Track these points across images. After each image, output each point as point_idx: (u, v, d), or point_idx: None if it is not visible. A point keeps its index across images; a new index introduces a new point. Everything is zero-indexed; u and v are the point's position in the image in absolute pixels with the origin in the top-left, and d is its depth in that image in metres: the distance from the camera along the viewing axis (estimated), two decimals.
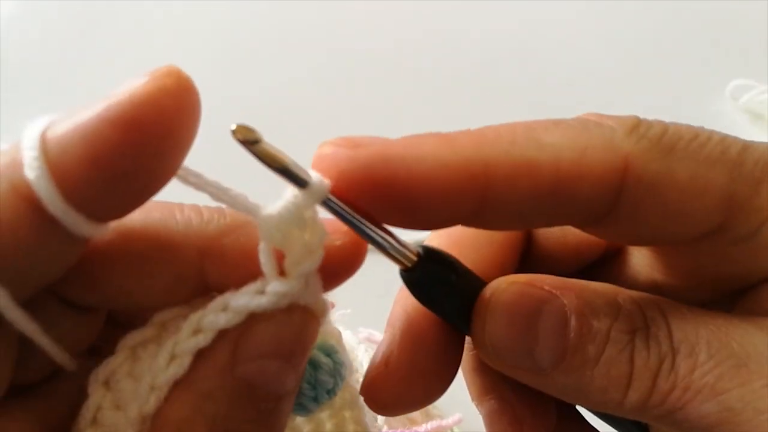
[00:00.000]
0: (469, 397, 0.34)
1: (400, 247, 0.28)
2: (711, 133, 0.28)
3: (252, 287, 0.26)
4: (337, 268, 0.28)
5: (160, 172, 0.23)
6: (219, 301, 0.26)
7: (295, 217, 0.26)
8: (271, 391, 0.26)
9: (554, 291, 0.28)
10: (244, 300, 0.26)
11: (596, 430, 0.37)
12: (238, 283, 0.26)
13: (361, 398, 0.31)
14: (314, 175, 0.26)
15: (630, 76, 0.85)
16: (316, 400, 0.29)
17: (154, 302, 0.27)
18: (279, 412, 0.27)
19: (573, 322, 0.28)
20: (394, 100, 0.88)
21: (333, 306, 0.30)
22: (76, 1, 0.97)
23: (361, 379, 0.31)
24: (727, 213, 0.27)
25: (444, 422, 0.58)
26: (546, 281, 0.29)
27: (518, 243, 0.35)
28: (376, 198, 0.26)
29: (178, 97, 0.22)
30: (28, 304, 0.25)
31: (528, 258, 0.35)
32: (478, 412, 0.34)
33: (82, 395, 0.27)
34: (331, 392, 0.30)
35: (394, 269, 0.29)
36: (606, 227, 0.28)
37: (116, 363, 0.27)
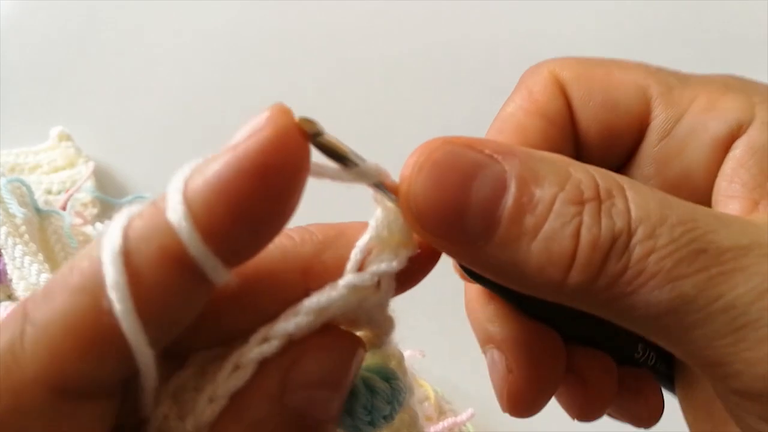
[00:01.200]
0: (481, 393, 0.34)
1: None
2: (625, 59, 0.34)
3: (326, 287, 0.26)
4: (409, 274, 0.27)
5: (288, 211, 0.23)
6: (291, 308, 0.26)
7: (397, 219, 0.26)
8: (318, 418, 0.26)
9: (495, 156, 0.25)
10: (310, 301, 0.25)
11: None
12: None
13: (419, 420, 0.31)
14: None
15: None
16: (372, 424, 0.28)
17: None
18: None
19: (512, 188, 0.25)
20: (395, 100, 0.88)
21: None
22: (76, 1, 0.96)
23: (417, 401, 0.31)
24: (646, 103, 0.31)
25: (459, 418, 0.60)
26: (488, 145, 0.26)
27: (569, 143, 0.34)
28: None
29: (294, 137, 0.23)
30: None
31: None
32: (490, 408, 0.34)
33: None
34: (388, 417, 0.29)
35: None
36: (581, 138, 0.33)
37: (185, 376, 0.27)
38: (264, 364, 0.25)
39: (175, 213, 0.22)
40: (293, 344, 0.25)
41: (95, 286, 0.21)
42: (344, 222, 0.28)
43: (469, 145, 0.26)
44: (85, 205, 0.73)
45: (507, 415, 0.37)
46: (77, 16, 0.95)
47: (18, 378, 0.21)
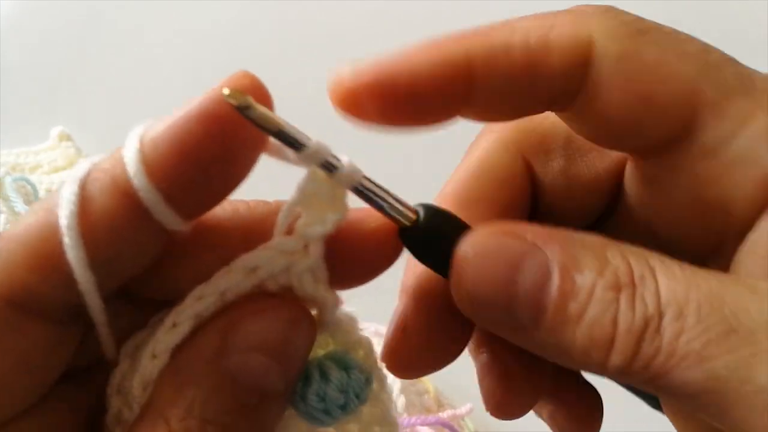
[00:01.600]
0: (477, 393, 0.34)
1: (400, 206, 0.28)
2: (695, 39, 0.29)
3: (258, 247, 0.27)
4: (373, 254, 0.29)
5: (239, 165, 0.26)
6: (226, 267, 0.27)
7: (325, 185, 0.27)
8: (255, 386, 0.26)
9: (537, 242, 0.26)
10: (242, 259, 0.26)
11: (595, 389, 0.36)
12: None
13: (393, 415, 0.31)
14: (315, 142, 0.27)
15: None
16: (327, 413, 0.28)
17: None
18: (264, 410, 0.26)
19: (555, 276, 0.26)
20: None
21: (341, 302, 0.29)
22: (77, 1, 0.96)
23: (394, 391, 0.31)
24: (693, 111, 0.28)
25: (458, 411, 0.61)
26: (529, 231, 0.27)
27: (523, 199, 0.34)
28: (383, 104, 0.28)
29: (253, 93, 0.25)
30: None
31: (535, 215, 0.34)
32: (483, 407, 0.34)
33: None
34: (345, 408, 0.28)
35: (400, 264, 0.30)
36: (581, 110, 0.29)
37: (142, 336, 0.28)
38: (205, 324, 0.26)
39: (128, 150, 0.24)
40: (234, 307, 0.26)
41: (48, 210, 0.25)
42: None
43: (512, 233, 0.27)
44: None
45: None
46: (78, 16, 0.95)
47: None
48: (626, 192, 0.33)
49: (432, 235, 0.28)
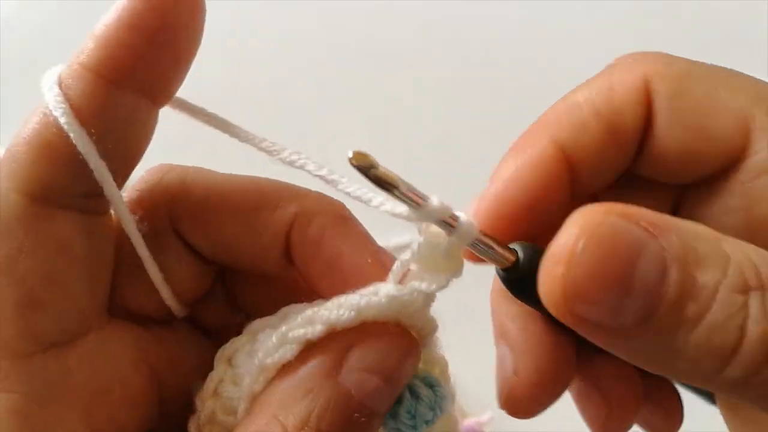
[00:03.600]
0: (493, 403, 0.34)
1: (500, 249, 0.28)
2: (744, 74, 0.30)
3: (368, 290, 0.28)
4: None
5: (185, 32, 0.28)
6: (335, 299, 0.28)
7: (442, 243, 0.28)
8: (366, 405, 0.28)
9: (651, 229, 0.23)
10: (354, 299, 0.28)
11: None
12: (315, 260, 0.30)
13: (456, 423, 0.32)
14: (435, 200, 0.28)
15: None
16: (414, 428, 0.29)
17: (256, 256, 0.31)
18: (368, 427, 0.28)
19: (674, 273, 0.22)
20: (395, 99, 0.88)
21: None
22: (77, 1, 0.96)
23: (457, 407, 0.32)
24: (745, 138, 0.27)
25: (479, 419, 0.63)
26: (643, 217, 0.23)
27: (564, 209, 0.31)
28: (517, 226, 0.30)
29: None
30: (154, 240, 0.30)
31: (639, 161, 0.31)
32: (498, 416, 0.34)
33: (180, 348, 0.32)
34: (429, 422, 0.30)
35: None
36: (642, 149, 0.30)
37: (240, 343, 0.30)
38: (325, 340, 0.28)
39: (87, 39, 0.28)
40: (355, 330, 0.28)
41: (39, 108, 0.28)
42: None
43: (628, 216, 0.23)
44: None
45: (516, 423, 0.37)
46: (79, 16, 0.95)
47: None
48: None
49: (533, 274, 0.26)
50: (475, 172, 0.82)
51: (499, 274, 0.30)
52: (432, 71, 0.91)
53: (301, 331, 0.28)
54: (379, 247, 0.31)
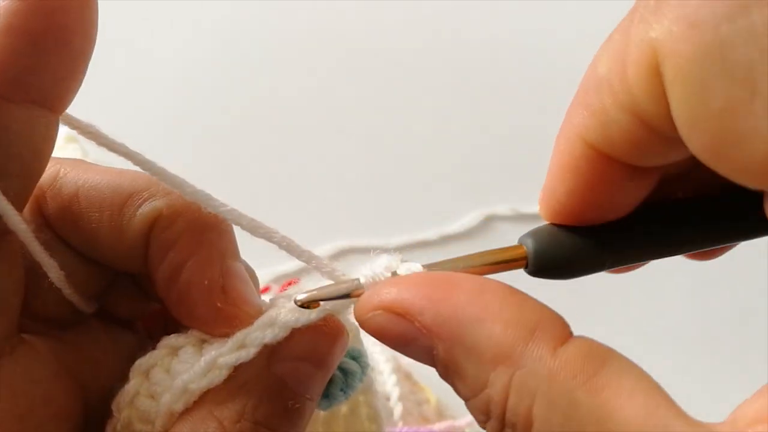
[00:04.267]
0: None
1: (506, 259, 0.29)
2: None
3: (295, 311, 0.29)
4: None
5: (74, 32, 0.25)
6: (265, 318, 0.28)
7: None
8: (300, 392, 0.28)
9: (425, 330, 0.25)
10: (289, 317, 0.28)
11: None
12: (161, 265, 0.29)
13: (374, 384, 0.34)
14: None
15: None
16: (346, 398, 0.32)
17: (121, 254, 0.30)
18: (303, 413, 0.29)
19: (440, 369, 0.25)
20: (395, 100, 0.88)
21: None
22: None
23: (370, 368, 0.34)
24: None
25: (457, 423, 0.60)
26: (424, 315, 0.25)
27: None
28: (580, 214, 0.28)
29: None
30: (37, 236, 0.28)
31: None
32: None
33: (106, 351, 0.32)
34: (356, 389, 0.32)
35: None
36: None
37: (157, 357, 0.30)
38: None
39: None
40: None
41: None
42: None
43: (403, 313, 0.25)
44: None
45: None
46: None
47: None
48: None
49: (548, 268, 0.28)
50: (476, 172, 0.83)
51: (530, 272, 0.29)
52: (432, 71, 0.91)
53: (232, 357, 0.28)
54: (234, 268, 0.30)
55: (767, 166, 0.19)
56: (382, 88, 0.89)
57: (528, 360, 0.23)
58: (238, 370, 0.28)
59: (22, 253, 0.28)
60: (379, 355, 0.59)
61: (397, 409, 0.58)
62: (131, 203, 0.29)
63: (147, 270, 0.30)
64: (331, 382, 0.31)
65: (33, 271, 0.29)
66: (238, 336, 0.28)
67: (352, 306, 0.28)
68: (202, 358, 0.28)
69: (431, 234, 0.78)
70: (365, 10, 0.94)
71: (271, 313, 0.28)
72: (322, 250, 0.75)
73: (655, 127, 0.23)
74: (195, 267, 0.29)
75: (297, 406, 0.28)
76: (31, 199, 0.29)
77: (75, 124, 0.29)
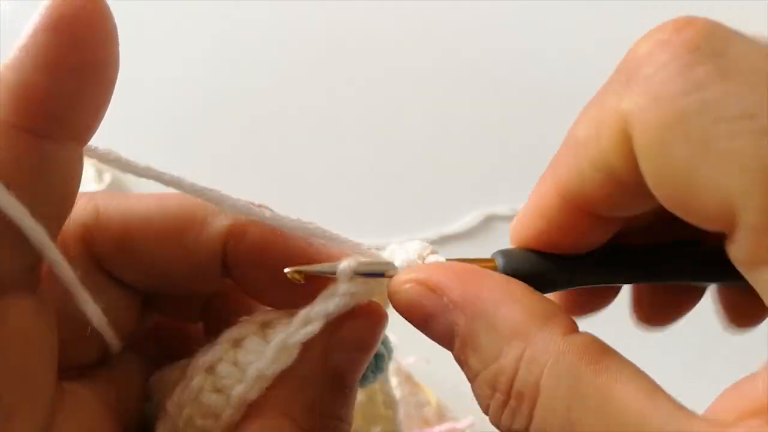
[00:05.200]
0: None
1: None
2: (749, 115, 0.24)
3: (334, 288, 0.30)
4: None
5: (103, 63, 0.25)
6: (325, 293, 0.30)
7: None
8: (354, 378, 0.30)
9: (451, 305, 0.27)
10: (343, 288, 0.29)
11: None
12: (258, 270, 0.30)
13: (389, 374, 0.35)
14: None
15: None
16: (375, 379, 0.33)
17: (192, 276, 0.31)
18: (354, 395, 0.31)
19: (456, 343, 0.27)
20: (395, 100, 0.88)
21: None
22: None
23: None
24: (730, 222, 0.23)
25: (458, 425, 0.60)
26: (452, 290, 0.27)
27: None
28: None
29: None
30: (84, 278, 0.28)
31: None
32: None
33: (131, 378, 0.32)
34: (384, 371, 0.34)
35: None
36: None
37: (221, 351, 0.30)
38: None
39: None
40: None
41: None
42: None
43: (430, 286, 0.28)
44: None
45: None
46: None
47: None
48: None
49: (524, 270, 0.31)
50: (476, 172, 0.83)
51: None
52: (432, 71, 0.91)
53: (302, 333, 0.29)
54: (317, 244, 0.31)
55: (721, 210, 0.23)
56: (382, 89, 0.89)
57: (540, 339, 0.25)
58: (297, 366, 0.29)
59: (57, 304, 0.27)
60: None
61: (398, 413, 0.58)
62: (192, 225, 0.30)
63: (219, 282, 0.31)
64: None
65: (71, 320, 0.28)
66: (302, 313, 0.29)
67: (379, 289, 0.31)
68: (272, 343, 0.29)
69: (431, 234, 0.78)
70: (367, 11, 0.94)
71: (329, 289, 0.30)
72: None
73: (624, 182, 0.26)
74: (296, 257, 0.30)
75: (350, 391, 0.30)
76: (77, 240, 0.29)
77: (95, 154, 0.28)
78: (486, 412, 0.27)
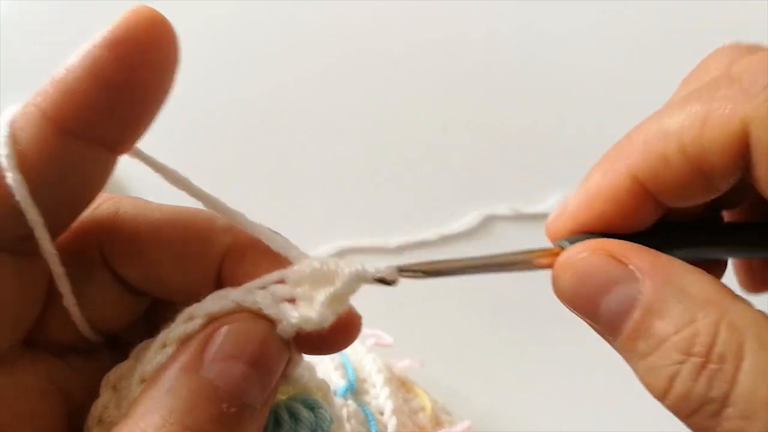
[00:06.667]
0: (479, 403, 0.34)
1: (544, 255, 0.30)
2: None
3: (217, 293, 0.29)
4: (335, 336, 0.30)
5: (152, 88, 0.27)
6: (186, 311, 0.29)
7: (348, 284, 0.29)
8: (235, 395, 0.27)
9: (637, 272, 0.27)
10: (205, 305, 0.28)
11: None
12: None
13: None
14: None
15: (632, 76, 0.86)
16: None
17: (187, 289, 0.31)
18: (242, 419, 0.27)
19: (636, 313, 0.27)
20: (395, 100, 0.88)
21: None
22: (77, 1, 0.96)
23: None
24: None
25: (453, 430, 0.58)
26: (635, 257, 0.28)
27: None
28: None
29: (153, 19, 0.27)
30: (83, 271, 0.30)
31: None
32: (487, 419, 0.34)
33: (100, 375, 0.31)
34: None
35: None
36: (754, 195, 0.30)
37: (124, 368, 0.29)
38: (184, 340, 0.28)
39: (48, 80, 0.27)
40: (211, 323, 0.28)
41: None
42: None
43: (615, 255, 0.28)
44: None
45: (505, 425, 0.37)
46: (81, 16, 0.95)
47: None
48: None
49: None
50: (475, 172, 0.83)
51: None
52: (432, 71, 0.91)
53: (179, 329, 0.28)
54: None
55: None
56: (382, 88, 0.89)
57: (737, 308, 0.26)
58: (162, 376, 0.27)
59: (49, 278, 0.30)
60: (371, 366, 0.57)
61: (391, 424, 0.56)
62: (197, 238, 0.31)
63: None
64: (279, 426, 0.30)
65: (56, 297, 0.30)
66: (185, 312, 0.29)
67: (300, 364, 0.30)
68: (154, 342, 0.28)
69: (431, 234, 0.78)
70: (365, 10, 0.94)
71: (221, 291, 0.29)
72: (322, 250, 0.75)
73: (711, 178, 0.29)
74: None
75: (233, 410, 0.27)
76: (90, 233, 0.31)
77: (143, 157, 0.30)
78: (665, 386, 0.26)
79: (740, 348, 0.25)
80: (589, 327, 0.30)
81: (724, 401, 0.24)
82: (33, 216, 0.27)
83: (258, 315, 0.28)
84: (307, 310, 0.28)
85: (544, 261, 0.30)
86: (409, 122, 0.86)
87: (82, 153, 0.27)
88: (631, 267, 0.27)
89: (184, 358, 0.27)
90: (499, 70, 0.89)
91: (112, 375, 0.30)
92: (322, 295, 0.28)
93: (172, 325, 0.28)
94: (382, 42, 0.91)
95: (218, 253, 0.31)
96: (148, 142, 1.00)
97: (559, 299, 0.30)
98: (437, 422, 0.61)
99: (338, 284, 0.28)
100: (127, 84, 0.26)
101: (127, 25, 0.26)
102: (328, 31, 0.92)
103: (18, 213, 0.27)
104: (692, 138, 0.28)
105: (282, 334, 0.28)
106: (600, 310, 0.28)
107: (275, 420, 0.29)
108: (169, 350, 0.28)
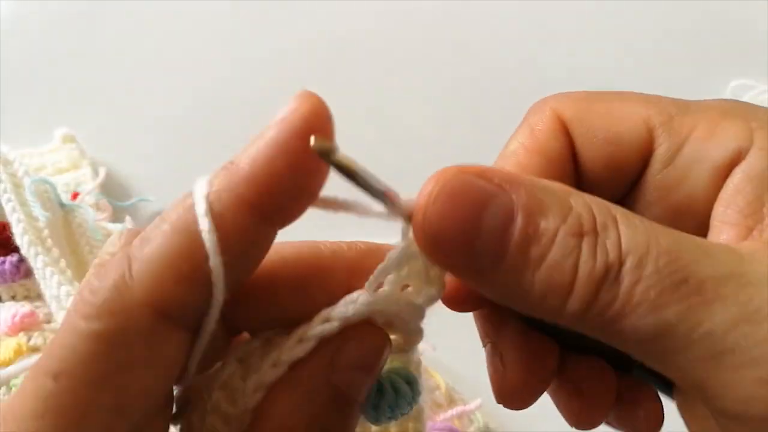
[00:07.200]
0: (489, 384, 0.35)
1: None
2: (627, 91, 0.34)
3: (349, 297, 0.30)
4: None
5: (312, 183, 0.28)
6: (322, 314, 0.30)
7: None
8: (354, 399, 0.30)
9: (503, 185, 0.27)
10: (366, 295, 0.30)
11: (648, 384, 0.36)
12: None
13: (424, 412, 0.35)
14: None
15: (631, 77, 0.86)
16: (392, 419, 0.33)
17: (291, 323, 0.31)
18: (355, 416, 0.31)
19: (519, 220, 0.26)
20: (395, 99, 0.88)
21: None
22: (77, 0, 0.96)
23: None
24: (650, 133, 0.32)
25: (467, 407, 0.64)
26: (496, 174, 0.27)
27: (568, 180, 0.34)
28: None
29: (322, 105, 0.28)
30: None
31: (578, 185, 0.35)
32: (493, 404, 0.35)
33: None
34: (405, 414, 0.33)
35: None
36: (584, 172, 0.33)
37: (252, 345, 0.31)
38: (319, 344, 0.29)
39: (246, 165, 0.27)
40: (339, 333, 0.30)
41: (186, 229, 0.26)
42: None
43: (480, 174, 0.27)
44: (91, 207, 0.73)
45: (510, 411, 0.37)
46: (79, 16, 0.95)
47: (129, 301, 0.26)
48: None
49: None
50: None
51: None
52: (432, 71, 0.91)
53: (318, 329, 0.29)
54: None
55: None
56: (381, 88, 0.89)
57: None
58: (301, 381, 0.29)
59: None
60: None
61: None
62: (317, 276, 0.31)
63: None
64: (382, 395, 0.32)
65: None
66: (323, 313, 0.30)
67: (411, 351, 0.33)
68: (292, 335, 0.30)
69: None
70: (364, 10, 0.94)
71: (352, 295, 0.30)
72: None
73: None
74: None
75: (350, 411, 0.30)
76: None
77: (330, 204, 0.30)
78: (570, 278, 0.26)
79: (609, 211, 0.27)
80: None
81: (619, 262, 0.26)
82: (218, 296, 0.27)
83: (376, 328, 0.31)
84: (424, 290, 0.31)
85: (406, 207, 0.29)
86: (409, 122, 0.86)
87: (267, 234, 0.28)
88: (496, 181, 0.27)
89: (320, 362, 0.29)
90: (499, 70, 0.90)
91: (240, 351, 0.31)
92: (422, 268, 0.30)
93: (311, 324, 0.30)
94: (383, 42, 0.91)
95: (339, 290, 0.31)
96: (148, 142, 1.01)
97: (430, 240, 0.28)
98: (451, 400, 0.66)
99: (418, 252, 0.29)
100: (313, 171, 0.27)
101: (309, 111, 0.28)
102: (327, 31, 0.92)
103: (207, 293, 0.27)
104: (529, 141, 0.34)
105: (415, 324, 0.32)
106: (482, 228, 0.27)
107: (378, 389, 0.32)
108: (307, 346, 0.29)
